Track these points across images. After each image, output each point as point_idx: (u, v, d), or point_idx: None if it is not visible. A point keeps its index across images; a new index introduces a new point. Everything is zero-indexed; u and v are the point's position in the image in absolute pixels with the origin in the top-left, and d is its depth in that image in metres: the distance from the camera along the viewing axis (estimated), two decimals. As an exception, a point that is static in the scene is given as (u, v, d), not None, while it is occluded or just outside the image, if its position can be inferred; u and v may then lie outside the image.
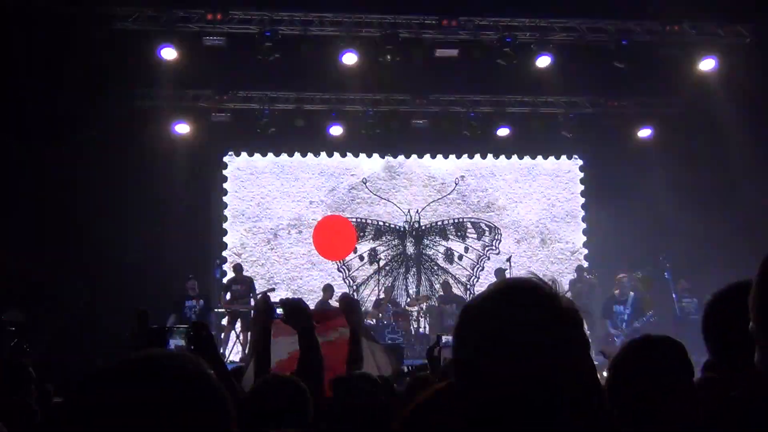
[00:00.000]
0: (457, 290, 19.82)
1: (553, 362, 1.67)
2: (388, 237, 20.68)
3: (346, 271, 20.45)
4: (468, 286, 20.53)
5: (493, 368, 1.69)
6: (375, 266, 20.18)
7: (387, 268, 20.62)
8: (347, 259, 20.41)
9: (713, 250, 16.40)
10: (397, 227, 20.77)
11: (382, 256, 20.57)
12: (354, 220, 20.48)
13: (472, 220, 21.00)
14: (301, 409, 3.97)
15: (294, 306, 5.11)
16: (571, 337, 1.73)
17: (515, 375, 1.66)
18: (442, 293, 19.35)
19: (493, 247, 20.86)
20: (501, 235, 20.94)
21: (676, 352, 3.04)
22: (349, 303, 6.58)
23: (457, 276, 20.64)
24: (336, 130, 19.29)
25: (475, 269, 20.69)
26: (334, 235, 19.72)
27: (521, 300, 1.77)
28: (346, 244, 19.93)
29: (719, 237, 16.54)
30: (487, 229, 20.99)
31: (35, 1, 14.76)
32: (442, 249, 20.82)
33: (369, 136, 19.27)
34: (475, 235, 20.94)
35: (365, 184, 20.67)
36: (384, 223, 20.76)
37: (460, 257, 20.82)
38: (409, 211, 20.68)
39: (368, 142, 19.96)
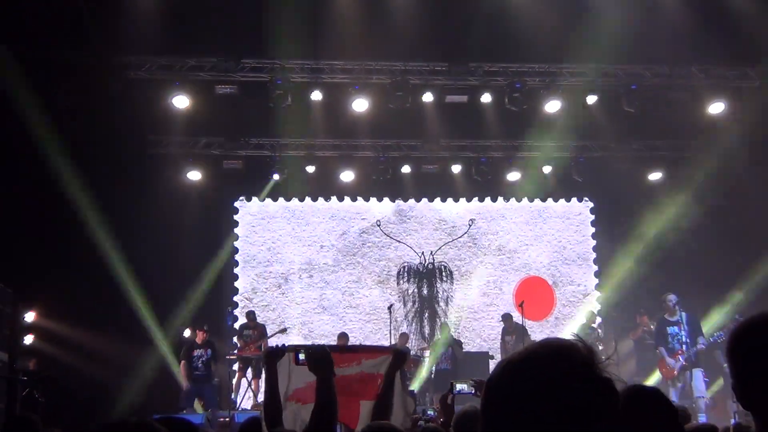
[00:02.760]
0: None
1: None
2: (401, 280, 21.00)
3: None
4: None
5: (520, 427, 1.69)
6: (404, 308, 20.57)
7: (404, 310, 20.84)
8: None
9: (727, 291, 16.63)
10: (416, 267, 20.99)
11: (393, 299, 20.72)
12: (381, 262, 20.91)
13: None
14: None
15: (318, 355, 5.13)
16: (604, 409, 1.71)
17: None
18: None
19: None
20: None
21: (660, 402, 3.10)
22: (400, 352, 6.73)
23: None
24: (347, 176, 19.72)
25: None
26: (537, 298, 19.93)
27: (559, 366, 1.74)
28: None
29: (733, 278, 16.83)
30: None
31: (48, 50, 15.22)
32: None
33: (380, 181, 19.66)
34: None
35: (379, 226, 20.95)
36: (406, 263, 21.05)
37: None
38: (423, 253, 20.97)
39: (379, 187, 20.21)
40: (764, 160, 17.00)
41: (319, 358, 5.04)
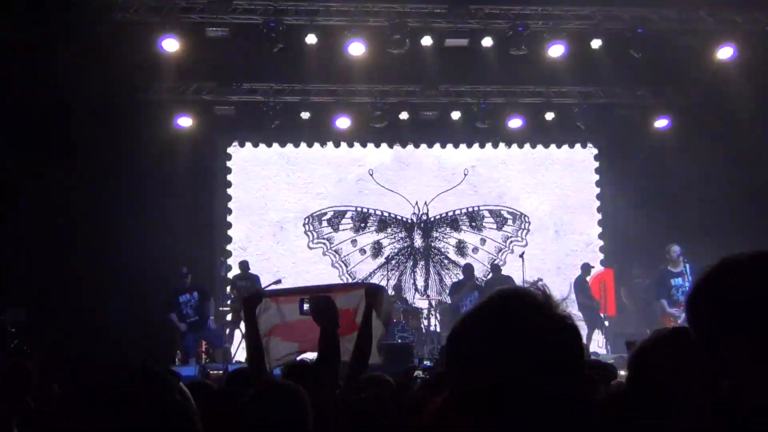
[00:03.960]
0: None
1: (543, 369, 1.73)
2: (394, 229, 20.90)
3: (344, 267, 20.73)
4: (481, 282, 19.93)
5: (483, 376, 1.75)
6: (379, 260, 20.45)
7: (393, 262, 20.82)
8: (345, 253, 20.66)
9: (735, 244, 16.21)
10: (404, 219, 20.92)
11: (387, 249, 20.85)
12: (355, 209, 20.74)
13: (491, 207, 21.23)
14: (300, 420, 3.95)
15: (323, 305, 5.28)
16: (562, 343, 1.78)
17: (504, 384, 1.73)
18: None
19: (519, 238, 21.06)
20: (528, 223, 21.19)
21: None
22: (372, 287, 6.68)
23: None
24: (343, 123, 19.53)
25: (496, 263, 20.32)
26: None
27: (512, 309, 1.82)
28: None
29: (741, 229, 16.65)
30: (510, 217, 21.14)
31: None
32: (453, 241, 21.05)
33: (376, 128, 19.55)
34: (494, 225, 21.16)
35: (371, 175, 20.81)
36: (389, 214, 20.95)
37: (476, 250, 21.01)
38: (417, 203, 20.90)
39: (376, 133, 20.17)
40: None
41: (324, 308, 5.20)
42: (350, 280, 20.01)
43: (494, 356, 1.74)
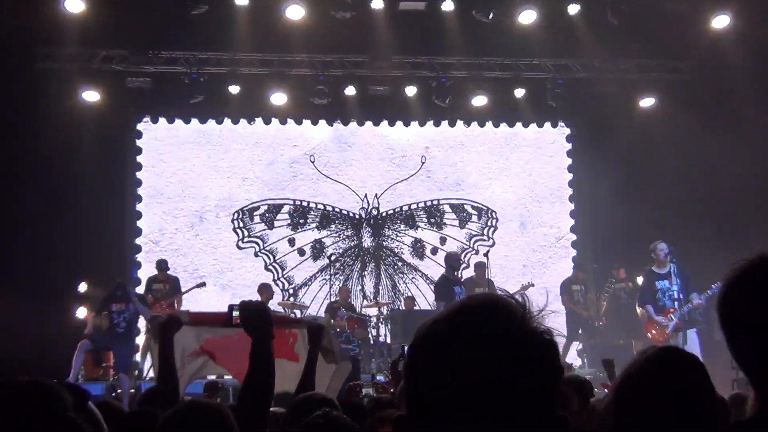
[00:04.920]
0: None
1: (512, 397, 1.73)
2: (339, 226, 21.04)
3: (279, 271, 20.77)
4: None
5: (443, 405, 1.74)
6: (321, 262, 20.44)
7: (338, 264, 20.81)
8: (280, 254, 20.78)
9: (731, 241, 15.71)
10: (350, 214, 21.05)
11: (330, 249, 20.84)
12: (293, 203, 20.79)
13: (452, 201, 21.46)
14: None
15: (255, 311, 4.98)
16: (534, 367, 1.77)
17: (467, 414, 1.73)
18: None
19: (485, 237, 21.41)
20: (496, 219, 21.42)
21: (696, 369, 3.07)
22: (314, 328, 6.85)
23: (429, 275, 20.63)
24: (278, 98, 19.50)
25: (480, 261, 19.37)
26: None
27: (478, 325, 1.80)
28: None
29: (738, 225, 16.90)
30: (474, 212, 21.43)
31: None
32: (409, 241, 21.25)
33: (318, 105, 19.63)
34: (456, 222, 21.46)
35: (313, 162, 20.95)
36: (332, 208, 21.06)
37: (435, 251, 21.16)
38: (366, 196, 21.11)
39: (316, 110, 20.24)
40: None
41: (256, 315, 4.91)
42: (287, 285, 20.37)
43: (459, 377, 1.73)
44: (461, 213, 21.35)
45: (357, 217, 21.10)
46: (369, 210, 21.06)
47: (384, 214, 21.11)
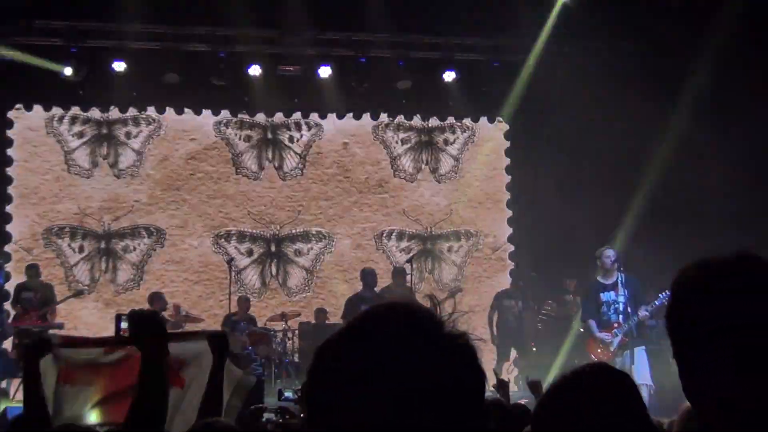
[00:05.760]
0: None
1: (429, 409, 1.66)
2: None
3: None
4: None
5: (354, 418, 1.67)
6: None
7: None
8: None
9: (687, 247, 14.84)
10: (261, 234, 20.65)
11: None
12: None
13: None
14: None
15: (148, 317, 4.67)
16: (454, 372, 1.72)
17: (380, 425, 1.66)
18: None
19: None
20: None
21: (625, 387, 2.86)
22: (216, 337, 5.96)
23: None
24: (171, 78, 18.56)
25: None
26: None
27: (391, 332, 1.74)
28: None
29: (695, 228, 16.36)
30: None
31: None
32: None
33: (217, 87, 18.88)
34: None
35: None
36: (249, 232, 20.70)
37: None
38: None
39: (216, 94, 19.33)
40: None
41: (148, 324, 4.57)
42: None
43: (361, 395, 1.66)
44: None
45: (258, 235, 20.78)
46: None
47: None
